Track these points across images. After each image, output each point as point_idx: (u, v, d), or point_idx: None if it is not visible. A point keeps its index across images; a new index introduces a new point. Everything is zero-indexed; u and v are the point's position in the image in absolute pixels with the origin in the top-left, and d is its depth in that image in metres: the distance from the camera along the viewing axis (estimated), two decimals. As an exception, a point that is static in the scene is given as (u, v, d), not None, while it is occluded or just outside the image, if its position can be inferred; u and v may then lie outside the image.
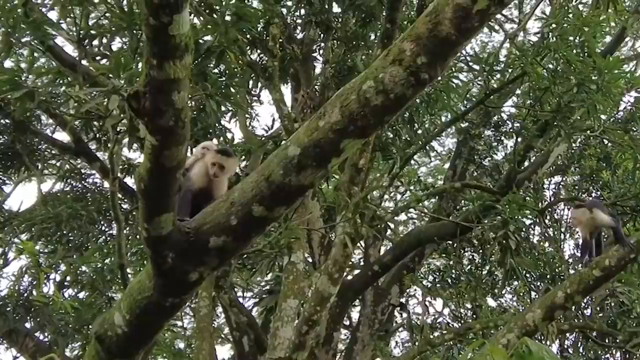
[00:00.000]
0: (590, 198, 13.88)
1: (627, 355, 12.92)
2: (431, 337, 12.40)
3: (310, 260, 12.98)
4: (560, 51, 9.74)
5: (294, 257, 11.17)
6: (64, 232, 12.63)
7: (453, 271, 15.07)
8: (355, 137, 3.80)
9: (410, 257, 13.54)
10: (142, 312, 4.27)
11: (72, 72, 8.46)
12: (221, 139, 10.93)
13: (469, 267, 15.17)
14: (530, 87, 10.83)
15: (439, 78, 11.66)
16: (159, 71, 3.37)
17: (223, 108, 10.20)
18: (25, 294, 12.00)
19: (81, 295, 12.63)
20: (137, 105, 3.47)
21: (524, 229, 11.98)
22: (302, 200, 10.72)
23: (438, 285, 15.22)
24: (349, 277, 13.83)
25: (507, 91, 13.31)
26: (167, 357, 17.01)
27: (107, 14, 8.60)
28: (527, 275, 13.47)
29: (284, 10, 13.51)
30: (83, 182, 14.64)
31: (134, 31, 7.77)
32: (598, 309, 12.97)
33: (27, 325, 11.76)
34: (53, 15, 10.16)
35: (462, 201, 14.92)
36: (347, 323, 15.90)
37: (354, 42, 13.61)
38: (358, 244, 13.74)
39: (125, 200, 13.02)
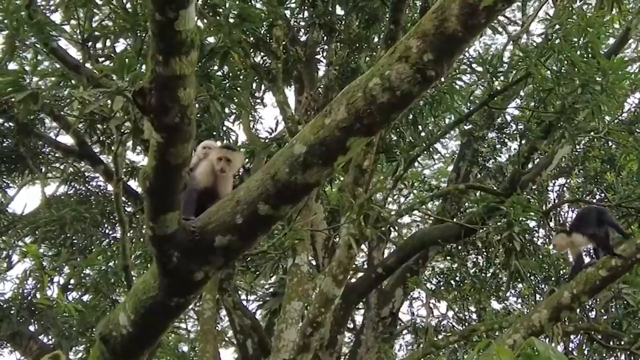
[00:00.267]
0: (595, 200, 13.89)
1: (633, 358, 12.86)
2: (435, 339, 12.36)
3: (314, 262, 12.95)
4: (565, 52, 9.70)
5: (298, 259, 11.14)
6: (68, 235, 12.62)
7: (457, 274, 15.03)
8: (361, 134, 3.78)
9: (414, 259, 13.52)
10: (147, 312, 4.24)
11: (76, 74, 8.47)
12: (225, 141, 10.91)
13: (473, 269, 15.13)
14: (534, 89, 10.80)
15: (443, 80, 11.68)
16: (165, 67, 3.36)
17: (227, 110, 10.20)
18: (29, 297, 12.00)
19: (85, 298, 12.61)
20: (143, 102, 3.45)
21: (528, 231, 11.93)
22: (306, 202, 10.73)
23: (442, 287, 15.19)
24: (353, 280, 13.81)
25: (511, 93, 13.28)
26: (171, 360, 16.97)
27: (111, 15, 8.60)
28: (532, 277, 13.43)
29: (288, 13, 13.49)
30: (87, 185, 14.65)
31: (138, 32, 7.76)
32: (603, 311, 12.92)
33: (31, 328, 11.75)
34: (57, 17, 10.18)
35: (466, 203, 14.89)
36: (351, 326, 15.86)
37: (358, 44, 13.60)
38: (362, 247, 13.74)
39: (129, 203, 13.01)
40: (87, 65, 9.38)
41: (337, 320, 12.32)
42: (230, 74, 10.42)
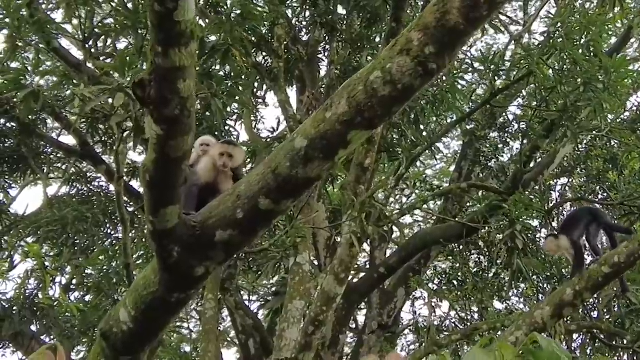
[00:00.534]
0: (597, 199, 13.86)
1: (636, 357, 12.82)
2: (437, 338, 12.32)
3: (316, 263, 12.93)
4: (566, 50, 9.68)
5: (300, 258, 11.13)
6: (70, 235, 12.63)
7: (459, 274, 15.00)
8: (362, 128, 3.77)
9: (416, 259, 13.49)
10: (148, 308, 4.23)
11: (78, 72, 8.47)
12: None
13: (475, 269, 15.10)
14: (536, 88, 10.78)
15: (445, 79, 11.67)
16: (165, 59, 3.34)
17: (229, 109, 10.20)
18: (31, 297, 12.00)
19: (87, 297, 12.61)
20: (143, 94, 3.43)
21: (530, 230, 11.90)
22: (308, 199, 10.72)
23: (444, 287, 15.16)
24: (355, 280, 13.80)
25: (513, 92, 13.27)
26: (173, 361, 16.96)
27: (112, 13, 8.60)
28: (535, 276, 13.39)
29: (289, 12, 13.49)
30: (89, 185, 14.67)
31: (139, 30, 7.76)
32: (605, 310, 12.88)
33: (33, 328, 11.74)
34: (58, 16, 10.18)
35: (468, 203, 14.86)
36: (354, 326, 15.84)
37: (360, 43, 13.58)
38: (363, 247, 13.71)
39: (131, 203, 13.01)
40: (89, 64, 9.40)
41: (339, 320, 12.30)
42: (232, 73, 10.43)
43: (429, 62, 3.62)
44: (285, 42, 12.83)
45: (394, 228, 15.19)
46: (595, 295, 11.12)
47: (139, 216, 12.53)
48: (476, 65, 11.02)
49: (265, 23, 12.02)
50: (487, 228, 11.40)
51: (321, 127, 3.75)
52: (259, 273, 13.71)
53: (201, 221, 3.99)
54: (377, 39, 13.51)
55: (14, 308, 11.55)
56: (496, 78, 10.45)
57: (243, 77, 11.68)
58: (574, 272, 8.29)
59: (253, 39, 11.95)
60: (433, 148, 12.55)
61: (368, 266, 15.46)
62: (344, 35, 13.72)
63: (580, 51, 9.88)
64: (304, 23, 14.01)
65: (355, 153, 9.41)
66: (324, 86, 13.69)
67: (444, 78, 11.92)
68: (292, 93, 14.36)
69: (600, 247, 9.13)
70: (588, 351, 13.48)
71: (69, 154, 13.12)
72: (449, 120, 13.14)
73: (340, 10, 13.65)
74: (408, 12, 11.22)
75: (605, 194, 14.16)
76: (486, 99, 10.67)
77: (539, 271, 13.08)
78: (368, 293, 13.31)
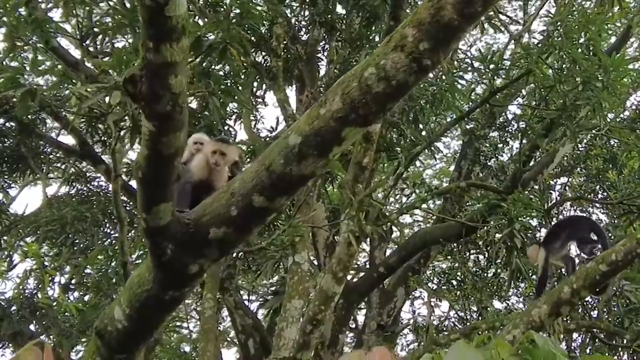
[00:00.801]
0: (597, 198, 13.86)
1: (635, 356, 12.79)
2: (437, 337, 12.31)
3: (315, 262, 12.92)
4: (566, 49, 9.66)
5: (299, 257, 11.12)
6: (69, 234, 12.62)
7: (458, 273, 14.99)
8: (356, 125, 3.74)
9: (415, 259, 13.48)
10: (142, 306, 4.21)
11: (75, 71, 8.46)
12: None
13: (474, 269, 15.09)
14: (535, 88, 10.76)
15: (444, 78, 11.65)
16: (156, 54, 3.31)
17: (228, 108, 10.18)
18: (30, 297, 11.99)
19: (86, 297, 12.60)
20: (134, 89, 3.40)
21: (530, 229, 11.88)
22: (306, 198, 10.70)
23: (444, 287, 15.15)
24: (355, 279, 13.79)
25: (513, 91, 13.25)
26: (172, 360, 16.95)
27: (110, 11, 8.59)
28: (534, 276, 13.36)
29: (288, 11, 13.48)
30: (88, 185, 14.68)
31: (137, 29, 7.74)
32: (604, 310, 12.86)
33: (32, 327, 11.72)
34: (56, 15, 10.17)
35: (467, 202, 14.85)
36: (353, 325, 15.82)
37: (359, 43, 13.56)
38: (363, 247, 13.69)
39: (130, 202, 13.00)
40: (87, 62, 9.39)
41: (338, 320, 12.28)
42: (231, 73, 10.41)
43: (423, 58, 3.59)
44: (284, 41, 12.82)
45: (394, 227, 15.17)
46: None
47: (137, 215, 12.51)
48: (475, 64, 10.99)
49: (264, 22, 12.00)
50: (486, 227, 11.37)
51: (315, 124, 3.73)
52: (258, 272, 13.69)
53: (195, 218, 3.97)
54: (376, 38, 13.50)
55: (13, 307, 11.54)
56: (495, 77, 10.44)
57: (242, 76, 11.67)
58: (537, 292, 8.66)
59: (252, 38, 11.94)
60: (432, 147, 12.55)
61: (367, 266, 15.45)
62: (343, 34, 13.71)
63: (580, 50, 9.87)
64: (303, 22, 14.00)
65: (353, 152, 9.40)
66: (323, 85, 13.67)
67: (444, 77, 11.92)
68: (291, 92, 14.37)
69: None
70: (588, 350, 13.46)
71: (68, 154, 13.13)
72: (448, 120, 13.13)
73: (340, 9, 13.65)
74: (407, 11, 11.21)
75: (604, 193, 14.16)
76: (485, 98, 10.65)
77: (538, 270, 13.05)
78: (367, 292, 13.30)
